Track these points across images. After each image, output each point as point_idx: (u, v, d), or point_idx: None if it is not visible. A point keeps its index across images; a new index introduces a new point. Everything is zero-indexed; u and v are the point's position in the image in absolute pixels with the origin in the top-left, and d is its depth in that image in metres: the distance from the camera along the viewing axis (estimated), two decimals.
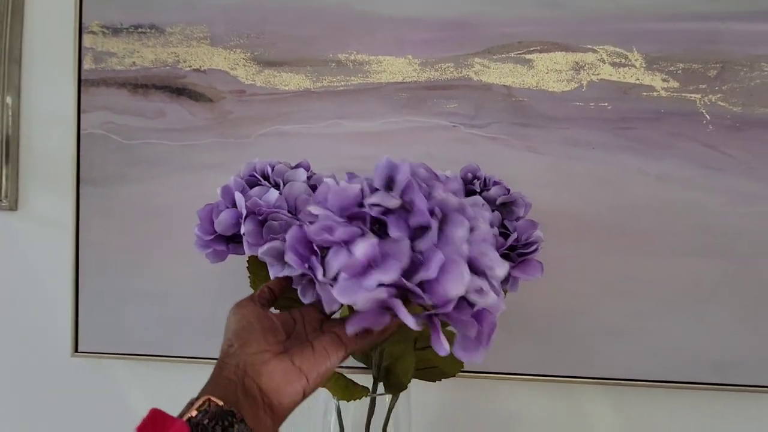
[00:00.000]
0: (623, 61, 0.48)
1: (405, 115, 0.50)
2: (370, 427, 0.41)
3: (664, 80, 0.48)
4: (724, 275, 0.47)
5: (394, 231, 0.25)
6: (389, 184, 0.26)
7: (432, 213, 0.25)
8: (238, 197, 0.35)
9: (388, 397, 0.42)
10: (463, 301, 0.25)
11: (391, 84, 0.50)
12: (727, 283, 0.48)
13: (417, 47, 0.50)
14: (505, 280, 0.36)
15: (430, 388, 0.52)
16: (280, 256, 0.34)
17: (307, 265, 0.26)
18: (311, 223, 0.27)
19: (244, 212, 0.34)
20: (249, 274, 0.43)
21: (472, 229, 0.25)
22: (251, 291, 0.50)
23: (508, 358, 0.49)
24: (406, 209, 0.26)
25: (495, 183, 0.37)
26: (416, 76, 0.50)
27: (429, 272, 0.24)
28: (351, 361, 0.41)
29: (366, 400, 0.40)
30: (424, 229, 0.25)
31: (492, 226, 0.36)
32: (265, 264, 0.42)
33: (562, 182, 0.49)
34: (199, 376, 0.56)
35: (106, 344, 0.53)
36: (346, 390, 0.36)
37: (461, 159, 0.44)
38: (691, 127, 0.48)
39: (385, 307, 0.25)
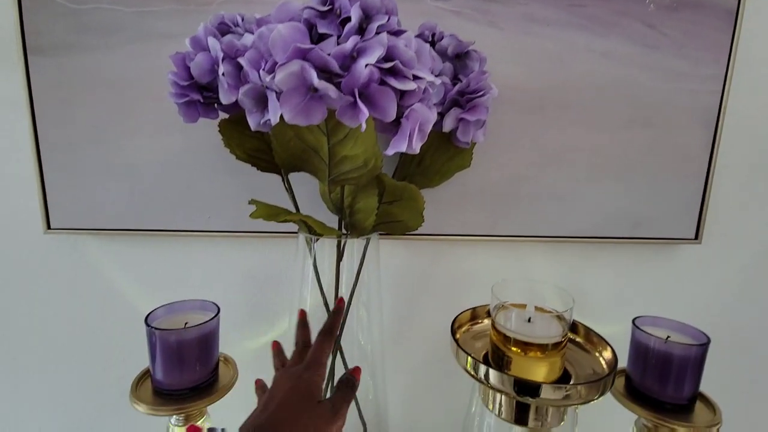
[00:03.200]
0: None
1: None
2: (342, 271, 0.46)
3: None
4: (647, 145, 0.55)
5: (322, 28, 0.29)
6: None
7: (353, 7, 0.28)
8: (212, 42, 0.36)
9: (358, 251, 0.47)
10: (388, 88, 0.29)
11: None
12: (649, 151, 0.55)
13: None
14: (456, 127, 0.40)
15: (397, 249, 0.59)
16: (260, 99, 0.36)
17: (257, 70, 0.29)
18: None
19: (221, 55, 0.35)
20: (222, 137, 0.44)
21: (398, 32, 0.28)
22: (226, 166, 0.52)
23: (465, 221, 0.56)
24: (336, 14, 0.28)
25: (450, 35, 0.40)
26: None
27: (345, 47, 0.27)
28: (322, 214, 0.45)
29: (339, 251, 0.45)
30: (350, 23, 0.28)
31: (441, 74, 0.40)
32: (236, 126, 0.44)
33: (518, 57, 0.52)
34: (174, 249, 0.59)
35: (79, 220, 0.53)
36: (323, 227, 0.40)
37: None
38: (635, 6, 0.52)
39: (311, 89, 0.28)
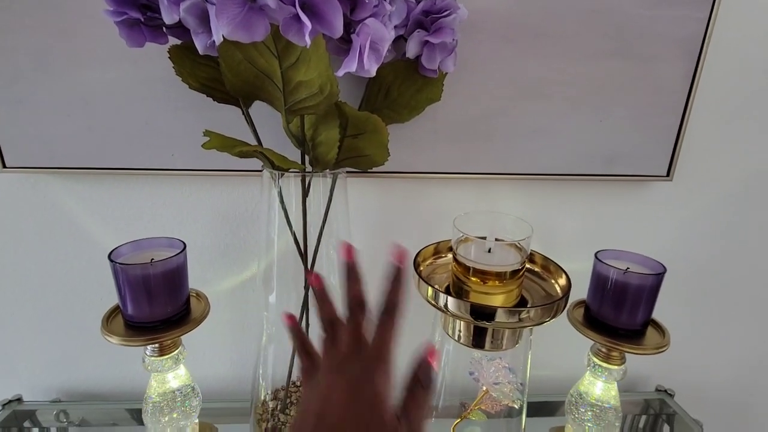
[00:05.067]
0: None
1: None
2: (309, 211, 0.46)
3: None
4: (627, 77, 0.53)
5: None
6: None
7: None
8: None
9: (325, 190, 0.46)
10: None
11: None
12: (627, 84, 0.53)
13: None
14: (421, 53, 0.38)
15: (366, 187, 0.58)
16: (204, 17, 0.33)
17: None
18: None
19: None
20: (173, 65, 0.41)
21: None
22: (187, 100, 0.49)
23: (436, 158, 0.55)
24: None
25: None
26: None
27: None
28: (289, 151, 0.44)
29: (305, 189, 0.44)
30: None
31: None
32: (187, 53, 0.41)
33: None
34: (140, 188, 0.58)
35: (37, 159, 0.51)
36: (283, 160, 0.38)
37: None
38: None
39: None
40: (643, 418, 0.68)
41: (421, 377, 0.27)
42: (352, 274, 0.29)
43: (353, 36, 0.28)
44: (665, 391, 0.69)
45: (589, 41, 0.51)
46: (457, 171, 0.56)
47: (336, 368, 0.26)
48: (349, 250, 0.30)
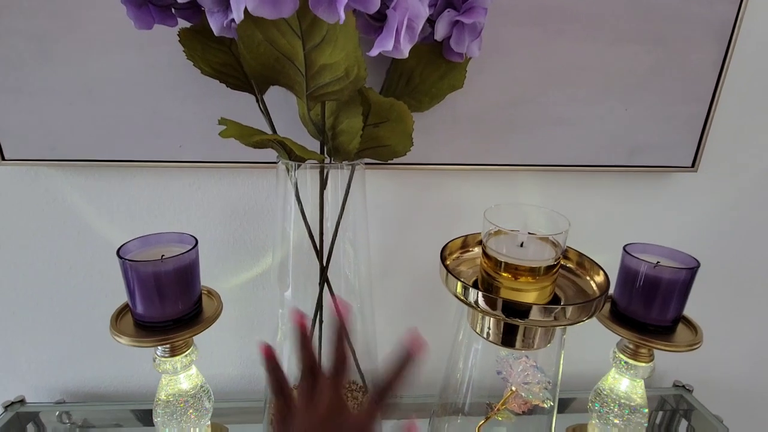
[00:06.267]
0: None
1: None
2: (326, 203, 0.43)
3: None
4: (657, 63, 0.51)
5: None
6: None
7: None
8: None
9: (343, 182, 0.44)
10: None
11: None
12: (657, 71, 0.51)
13: None
14: (450, 34, 0.36)
15: (383, 180, 0.56)
16: None
17: None
18: None
19: None
20: (183, 49, 0.39)
21: None
22: (195, 88, 0.47)
23: (455, 149, 0.52)
24: None
25: None
26: None
27: None
28: (305, 141, 0.41)
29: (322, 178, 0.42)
30: None
31: None
32: (198, 36, 0.38)
33: None
34: (146, 181, 0.55)
35: (38, 150, 0.49)
36: (303, 150, 0.36)
37: None
38: None
39: None
40: (660, 413, 0.67)
41: None
42: (339, 339, 0.29)
43: (389, 12, 0.25)
44: (683, 386, 0.68)
45: (617, 24, 0.49)
46: (476, 162, 0.53)
47: (302, 419, 0.26)
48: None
